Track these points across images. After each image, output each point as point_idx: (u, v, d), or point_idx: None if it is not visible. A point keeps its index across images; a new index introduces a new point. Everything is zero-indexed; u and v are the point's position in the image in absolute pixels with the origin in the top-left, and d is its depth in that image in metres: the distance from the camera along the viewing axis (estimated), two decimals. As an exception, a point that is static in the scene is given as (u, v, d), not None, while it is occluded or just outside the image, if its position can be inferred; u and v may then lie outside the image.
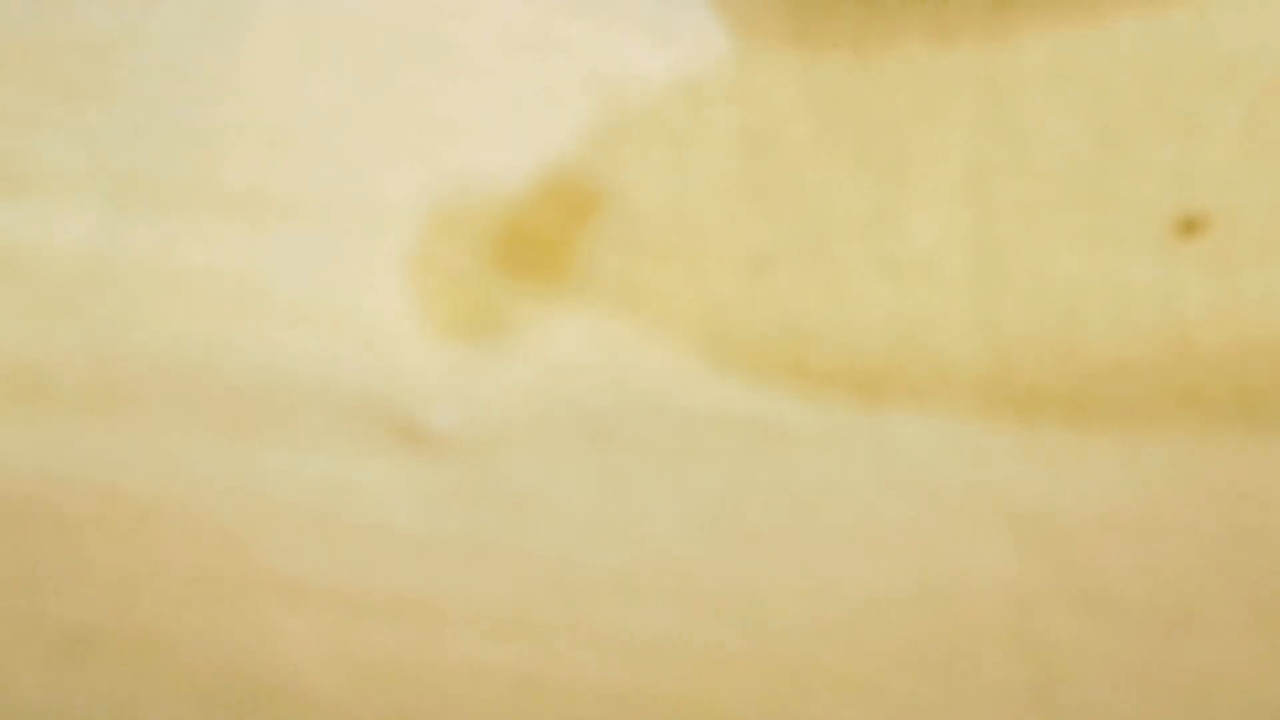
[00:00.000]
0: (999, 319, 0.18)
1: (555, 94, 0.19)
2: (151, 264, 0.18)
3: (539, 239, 0.18)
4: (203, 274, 0.18)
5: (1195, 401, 0.17)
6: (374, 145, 0.19)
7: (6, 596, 0.15)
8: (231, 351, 0.17)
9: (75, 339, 0.17)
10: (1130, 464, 0.16)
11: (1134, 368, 0.17)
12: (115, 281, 0.18)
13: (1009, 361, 0.17)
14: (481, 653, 0.15)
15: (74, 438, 0.17)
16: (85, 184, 0.18)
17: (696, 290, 0.18)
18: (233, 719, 0.15)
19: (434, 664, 0.15)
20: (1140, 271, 0.18)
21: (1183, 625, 0.15)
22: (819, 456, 0.16)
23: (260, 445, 0.17)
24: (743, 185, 0.19)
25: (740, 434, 0.17)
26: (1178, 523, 0.16)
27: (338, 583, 0.16)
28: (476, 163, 0.19)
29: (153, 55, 0.19)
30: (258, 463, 0.16)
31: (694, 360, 0.17)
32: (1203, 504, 0.16)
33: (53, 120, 0.19)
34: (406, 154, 0.19)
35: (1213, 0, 0.20)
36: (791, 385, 0.17)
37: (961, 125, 0.19)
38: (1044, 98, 0.19)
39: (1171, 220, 0.18)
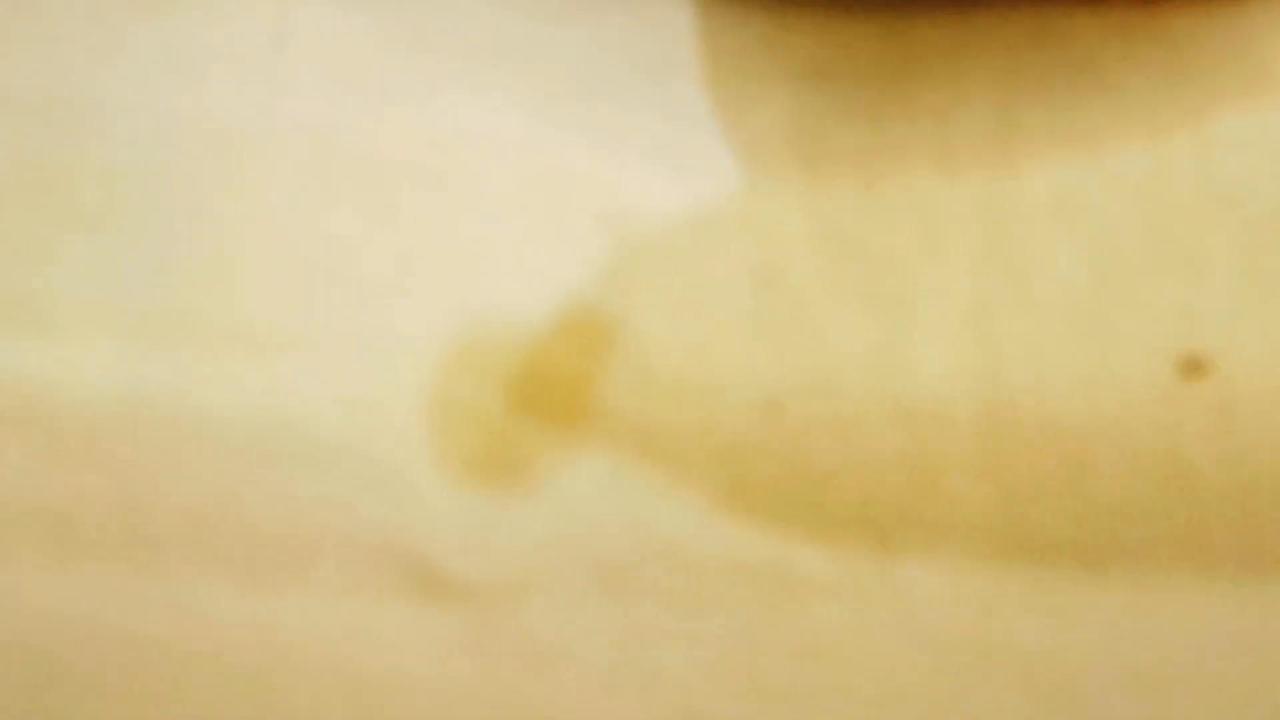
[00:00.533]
0: (1006, 461, 0.18)
1: (568, 227, 0.19)
2: (172, 405, 0.18)
3: (555, 377, 0.18)
4: (222, 415, 0.18)
5: (1200, 547, 0.17)
6: (390, 280, 0.19)
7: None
8: (251, 497, 0.17)
9: (97, 485, 0.17)
10: (1138, 612, 0.16)
11: (1139, 512, 0.17)
12: (136, 424, 0.18)
13: (1017, 505, 0.18)
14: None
15: (95, 584, 0.17)
16: (107, 321, 0.18)
17: (711, 431, 0.18)
18: None
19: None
20: (1144, 412, 0.18)
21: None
22: (833, 605, 0.17)
23: (280, 594, 0.17)
24: (754, 321, 0.19)
25: (756, 582, 0.17)
26: (1185, 672, 0.16)
27: (360, 736, 0.16)
28: (492, 298, 0.19)
29: (172, 188, 0.19)
30: (278, 612, 0.17)
31: (710, 505, 0.18)
32: (1209, 653, 0.16)
33: (74, 255, 0.19)
34: (422, 289, 0.19)
35: (1212, 131, 0.20)
36: (806, 530, 0.17)
37: (966, 259, 0.19)
38: (1046, 231, 0.19)
39: (1174, 360, 0.18)
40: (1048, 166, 0.20)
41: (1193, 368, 0.18)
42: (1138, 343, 0.18)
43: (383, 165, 0.20)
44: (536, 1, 0.21)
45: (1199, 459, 0.17)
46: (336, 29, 0.21)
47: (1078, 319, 0.18)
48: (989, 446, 0.18)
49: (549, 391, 0.18)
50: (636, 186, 0.20)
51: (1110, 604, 0.16)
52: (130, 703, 0.16)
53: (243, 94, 0.20)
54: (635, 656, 0.16)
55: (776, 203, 0.19)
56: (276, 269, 0.18)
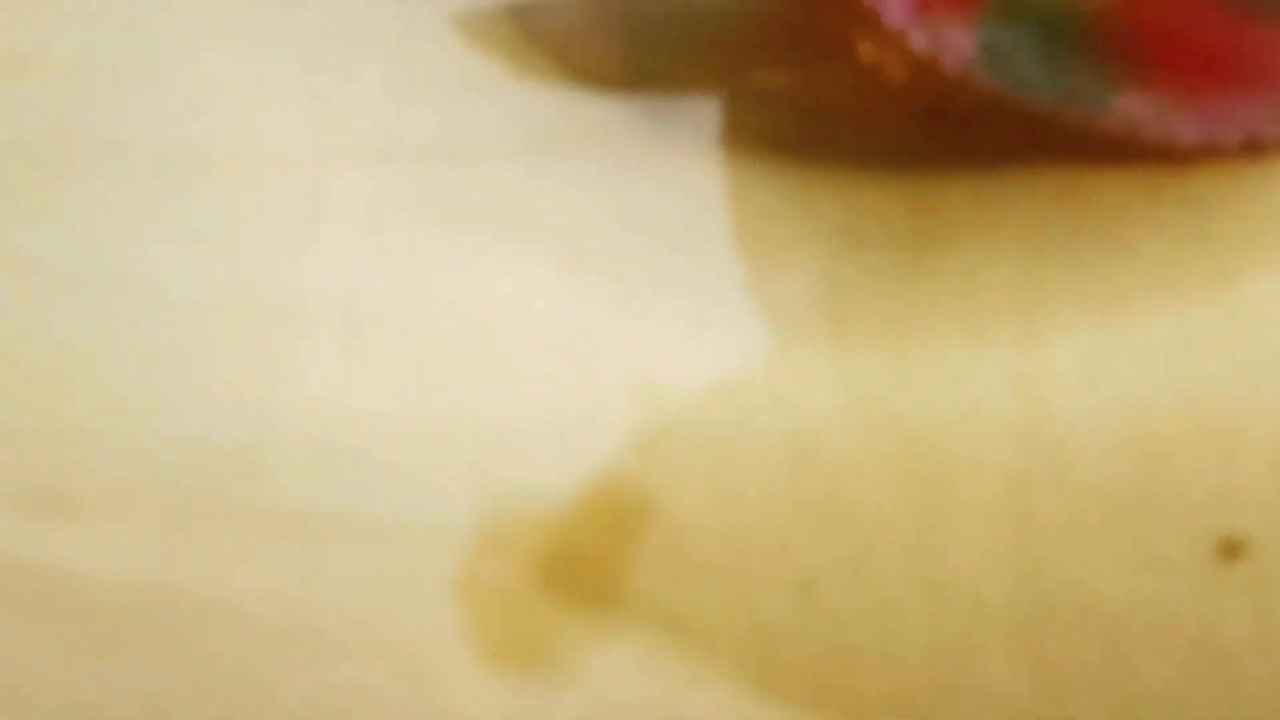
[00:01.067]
0: (1042, 645, 0.17)
1: (599, 399, 0.19)
2: (201, 592, 0.18)
3: (586, 558, 0.18)
4: (253, 600, 0.18)
5: (1241, 738, 0.17)
6: (422, 459, 0.19)
7: None
8: (280, 686, 0.17)
9: (124, 676, 0.17)
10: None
11: (1177, 698, 0.17)
12: (167, 611, 0.17)
13: (1053, 690, 0.17)
14: None
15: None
16: (138, 503, 0.18)
17: (745, 613, 0.18)
18: None
19: None
20: (1182, 595, 0.18)
21: None
22: (869, 799, 0.16)
23: (312, 789, 0.16)
24: (787, 498, 0.18)
25: (790, 773, 0.16)
26: None
27: None
28: (521, 474, 0.19)
29: (205, 363, 0.19)
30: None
31: (743, 691, 0.17)
32: None
33: (104, 434, 0.18)
34: (453, 467, 0.18)
35: (1241, 299, 0.20)
36: (837, 714, 0.17)
37: (999, 434, 0.19)
38: (1080, 405, 0.19)
39: (1213, 542, 0.18)
40: (1077, 335, 0.19)
41: (1231, 549, 0.17)
42: (1175, 525, 0.18)
43: (414, 337, 0.19)
44: (567, 168, 0.21)
45: (1238, 644, 0.17)
46: (370, 194, 0.21)
47: (1114, 499, 0.18)
48: (1023, 630, 0.17)
49: (579, 573, 0.18)
50: (668, 356, 0.19)
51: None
52: None
53: (276, 263, 0.20)
54: None
55: (808, 373, 0.19)
56: (307, 449, 0.18)
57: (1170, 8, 0.16)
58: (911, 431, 0.18)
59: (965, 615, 0.17)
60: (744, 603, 0.17)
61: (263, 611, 0.17)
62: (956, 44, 0.20)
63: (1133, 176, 0.21)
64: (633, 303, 0.19)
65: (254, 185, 0.20)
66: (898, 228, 0.20)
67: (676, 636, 0.17)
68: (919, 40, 0.21)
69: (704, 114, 0.22)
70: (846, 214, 0.20)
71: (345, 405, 0.18)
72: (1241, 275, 0.20)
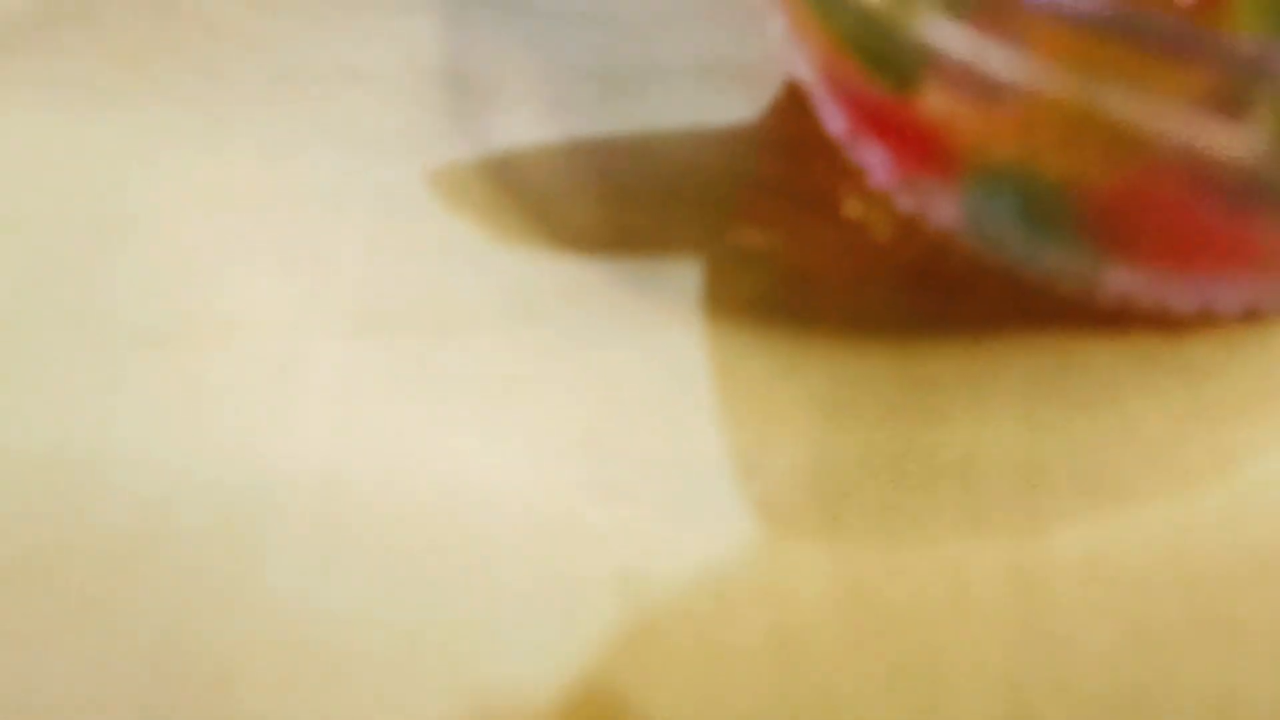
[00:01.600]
0: None
1: (579, 591, 0.18)
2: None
3: (566, 767, 0.17)
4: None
5: None
6: (395, 659, 0.18)
7: None
8: None
9: None
10: None
11: None
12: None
13: None
14: None
15: None
16: (101, 708, 0.17)
17: (732, 827, 0.17)
18: None
19: None
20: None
21: None
22: None
23: None
24: (772, 695, 0.18)
25: None
26: None
27: None
28: (500, 672, 0.18)
29: (171, 563, 0.18)
30: None
31: None
32: None
33: (64, 647, 0.18)
34: (428, 667, 0.18)
35: (1241, 479, 0.19)
36: None
37: (997, 631, 0.18)
38: (1080, 598, 0.18)
39: (1219, 747, 0.17)
40: (1076, 522, 0.19)
41: (1238, 756, 0.17)
42: (1180, 727, 0.17)
43: (388, 527, 0.19)
44: (547, 337, 0.21)
45: None
46: (346, 368, 0.20)
47: (1117, 699, 0.17)
48: (1027, 845, 0.16)
49: (561, 784, 0.17)
50: (651, 544, 0.19)
51: None
52: None
53: (248, 441, 0.19)
54: None
55: (797, 562, 0.18)
56: (279, 657, 0.17)
57: (1157, 200, 0.16)
58: (904, 625, 0.17)
59: (964, 828, 0.16)
60: (732, 816, 0.16)
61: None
62: (942, 208, 0.19)
63: (1127, 344, 0.20)
64: (614, 485, 0.18)
65: (228, 360, 0.19)
66: (890, 399, 0.20)
67: None
68: (905, 201, 0.20)
69: (686, 277, 0.21)
70: (835, 385, 0.20)
71: (317, 608, 0.17)
72: (1241, 451, 0.19)
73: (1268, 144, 0.12)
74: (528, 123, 0.23)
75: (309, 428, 0.19)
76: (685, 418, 0.19)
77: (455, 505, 0.18)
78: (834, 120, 0.20)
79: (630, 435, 0.19)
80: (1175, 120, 0.13)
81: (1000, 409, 0.19)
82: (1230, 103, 0.12)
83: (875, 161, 0.20)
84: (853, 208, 0.21)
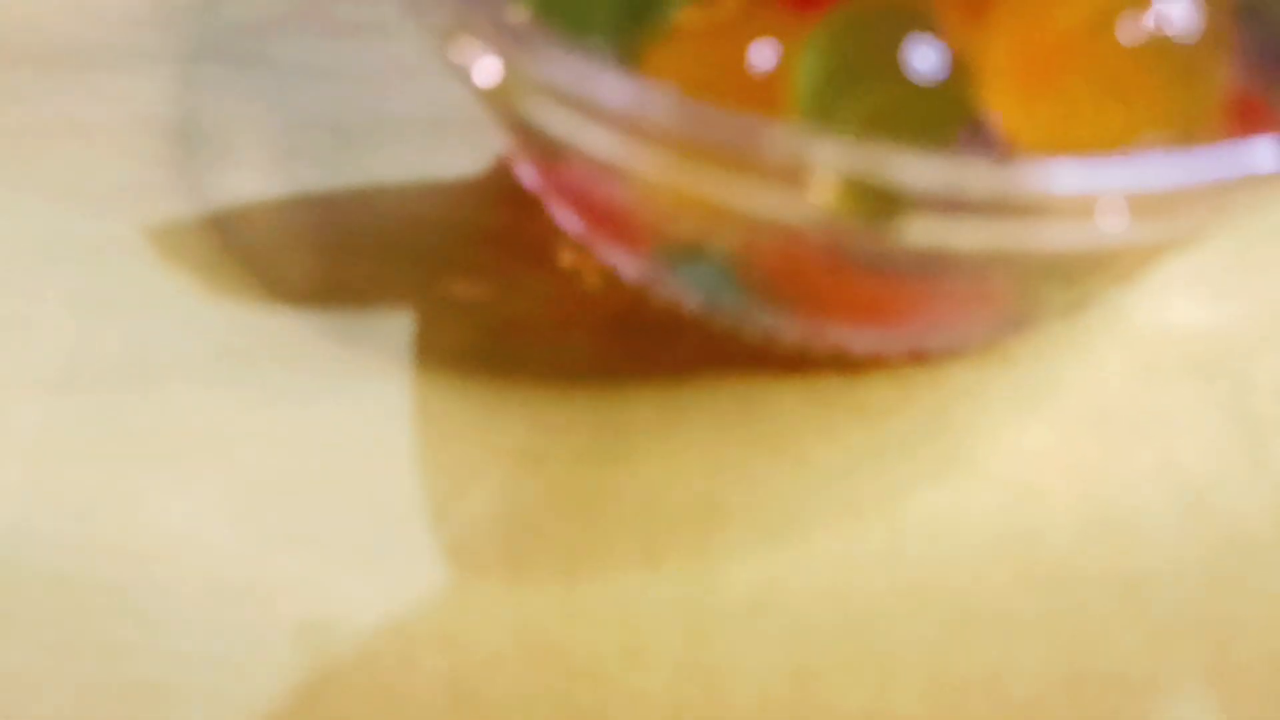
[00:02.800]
0: None
1: (263, 645, 0.18)
2: None
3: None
4: None
5: None
6: (70, 717, 0.18)
7: None
8: None
9: None
10: None
11: None
12: None
13: None
14: None
15: None
16: None
17: None
18: None
19: None
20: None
21: None
22: None
23: None
24: (449, 743, 0.18)
25: None
26: None
27: None
28: (178, 729, 0.18)
29: None
30: None
31: None
32: None
33: None
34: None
35: (906, 514, 0.20)
36: None
37: (663, 667, 0.19)
38: (745, 633, 0.19)
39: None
40: (747, 560, 0.19)
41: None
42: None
43: (74, 585, 0.19)
44: (251, 390, 0.21)
45: None
46: (43, 425, 0.20)
47: (771, 728, 0.18)
48: None
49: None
50: (335, 593, 0.19)
51: None
52: None
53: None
54: None
55: (480, 609, 0.19)
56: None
57: (801, 264, 0.17)
58: (579, 665, 0.18)
59: None
60: None
61: None
62: (630, 266, 0.20)
63: (808, 386, 0.21)
64: (305, 537, 0.19)
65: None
66: (583, 445, 0.20)
67: None
68: (601, 255, 0.21)
69: (397, 329, 0.21)
70: (532, 432, 0.20)
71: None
72: (905, 488, 0.20)
73: (835, 218, 0.13)
74: (254, 177, 0.23)
75: (2, 490, 0.19)
76: (383, 469, 0.19)
77: (143, 563, 0.18)
78: (528, 177, 0.21)
79: (326, 487, 0.19)
80: (755, 200, 0.13)
81: (685, 451, 0.19)
82: (795, 182, 0.13)
83: (566, 219, 0.20)
84: (565, 257, 0.22)
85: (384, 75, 0.25)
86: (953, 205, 0.13)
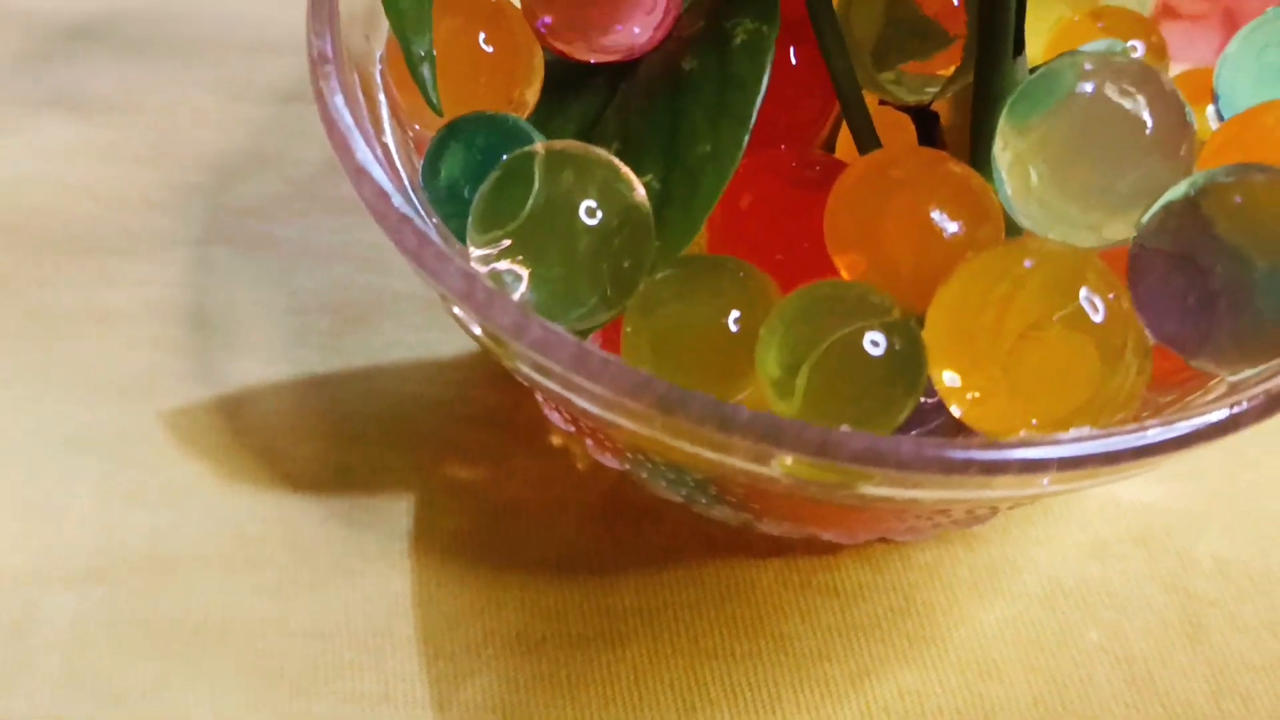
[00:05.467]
0: None
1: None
2: None
3: None
4: None
5: None
6: None
7: None
8: None
9: None
10: None
11: None
12: None
13: None
14: None
15: None
16: None
17: None
18: None
19: None
20: None
21: None
22: None
23: None
24: None
25: None
26: None
27: None
28: None
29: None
30: None
31: None
32: None
33: None
34: None
35: (872, 698, 0.22)
36: None
37: None
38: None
39: None
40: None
41: None
42: None
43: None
44: (265, 578, 0.22)
45: None
46: (77, 614, 0.22)
47: None
48: None
49: None
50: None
51: None
52: None
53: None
54: None
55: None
56: None
57: (768, 489, 0.18)
58: None
59: None
60: None
61: None
62: (613, 462, 0.22)
63: (785, 567, 0.22)
64: (315, 727, 0.20)
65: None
66: (575, 629, 0.22)
67: None
68: (587, 448, 0.22)
69: (399, 513, 0.23)
70: (529, 617, 0.22)
71: None
72: (876, 667, 0.21)
73: (797, 481, 0.15)
74: (263, 361, 0.24)
75: (38, 680, 0.20)
76: (387, 653, 0.21)
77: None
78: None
79: (335, 675, 0.21)
80: (724, 460, 0.15)
81: (670, 633, 0.21)
82: (761, 457, 0.15)
83: (554, 416, 0.22)
84: (555, 438, 0.23)
85: (382, 253, 0.26)
86: (906, 480, 0.14)
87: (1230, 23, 0.23)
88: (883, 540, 0.22)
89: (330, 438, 0.23)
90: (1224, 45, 0.22)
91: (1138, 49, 0.20)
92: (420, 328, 0.25)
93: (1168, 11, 0.23)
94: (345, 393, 0.24)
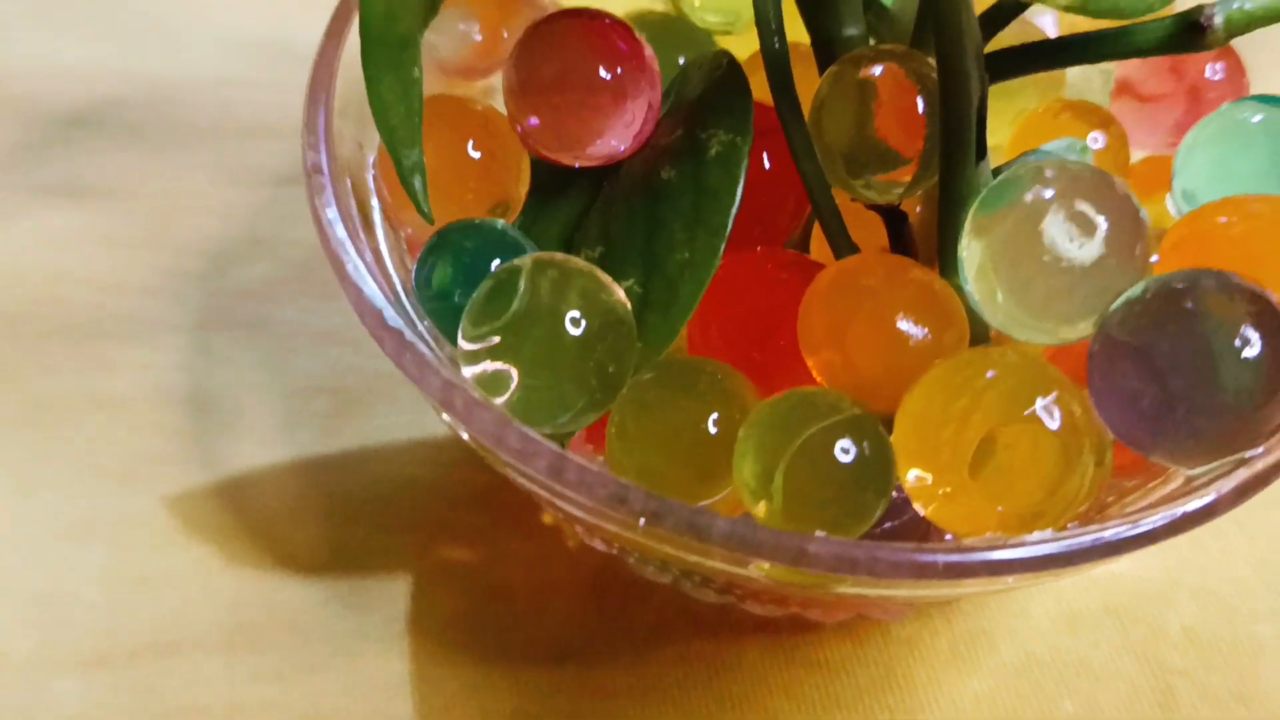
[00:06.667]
0: None
1: None
2: None
3: None
4: None
5: None
6: None
7: None
8: None
9: None
10: None
11: None
12: None
13: None
14: None
15: None
16: None
17: None
18: None
19: None
20: None
21: None
22: None
23: None
24: None
25: None
26: None
27: None
28: None
29: None
30: None
31: None
32: None
33: None
34: None
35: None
36: None
37: None
38: None
39: None
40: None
41: None
42: None
43: None
44: (266, 662, 0.23)
45: None
46: (83, 701, 0.23)
47: None
48: None
49: None
50: None
51: None
52: None
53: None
54: None
55: None
56: None
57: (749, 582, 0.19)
58: None
59: None
60: None
61: None
62: (601, 545, 0.23)
63: (770, 642, 0.23)
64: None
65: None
66: (567, 709, 0.22)
67: None
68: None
69: (395, 596, 0.24)
70: (522, 698, 0.22)
71: None
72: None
73: (769, 575, 0.16)
74: (261, 444, 0.25)
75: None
76: (387, 736, 0.22)
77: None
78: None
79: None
80: (704, 560, 0.16)
81: (660, 712, 0.22)
82: (739, 561, 0.15)
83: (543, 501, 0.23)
84: (544, 518, 0.24)
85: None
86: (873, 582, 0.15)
87: (1195, 100, 0.24)
88: (863, 616, 0.23)
89: (328, 520, 0.24)
90: (1188, 124, 0.23)
91: (1099, 140, 0.21)
92: (413, 410, 0.26)
93: (1127, 88, 0.24)
94: (342, 475, 0.25)
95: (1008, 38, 0.19)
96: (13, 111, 0.30)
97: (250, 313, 0.27)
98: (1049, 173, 0.17)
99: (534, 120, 0.19)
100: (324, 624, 0.23)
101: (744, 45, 0.21)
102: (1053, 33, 0.24)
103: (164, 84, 0.31)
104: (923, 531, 0.17)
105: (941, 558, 0.15)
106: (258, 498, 0.24)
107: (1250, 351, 0.16)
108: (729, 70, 0.18)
